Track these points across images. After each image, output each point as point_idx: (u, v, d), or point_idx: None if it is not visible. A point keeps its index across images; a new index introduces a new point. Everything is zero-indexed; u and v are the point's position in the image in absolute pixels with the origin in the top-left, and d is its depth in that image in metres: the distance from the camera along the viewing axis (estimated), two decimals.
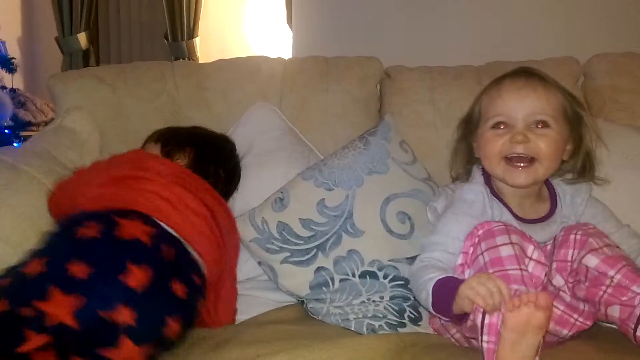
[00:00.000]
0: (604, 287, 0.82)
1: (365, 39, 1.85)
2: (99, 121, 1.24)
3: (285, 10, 2.19)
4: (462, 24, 1.91)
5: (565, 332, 0.86)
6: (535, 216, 0.95)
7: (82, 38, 3.43)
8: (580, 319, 0.85)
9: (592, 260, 0.83)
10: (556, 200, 0.98)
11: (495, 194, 0.96)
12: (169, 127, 1.20)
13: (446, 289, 0.80)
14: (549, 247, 0.91)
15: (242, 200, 1.17)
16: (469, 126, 1.02)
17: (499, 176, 0.94)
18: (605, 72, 1.32)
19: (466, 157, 1.04)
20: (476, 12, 1.91)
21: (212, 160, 1.15)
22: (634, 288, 0.80)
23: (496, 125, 0.93)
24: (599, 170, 1.01)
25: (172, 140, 1.15)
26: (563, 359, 0.80)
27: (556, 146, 0.91)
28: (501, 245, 0.80)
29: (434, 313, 0.84)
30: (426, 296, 0.83)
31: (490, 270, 0.78)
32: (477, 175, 0.99)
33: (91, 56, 3.56)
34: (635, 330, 0.80)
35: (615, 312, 0.82)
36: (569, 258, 0.86)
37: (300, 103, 1.33)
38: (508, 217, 0.93)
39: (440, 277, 0.82)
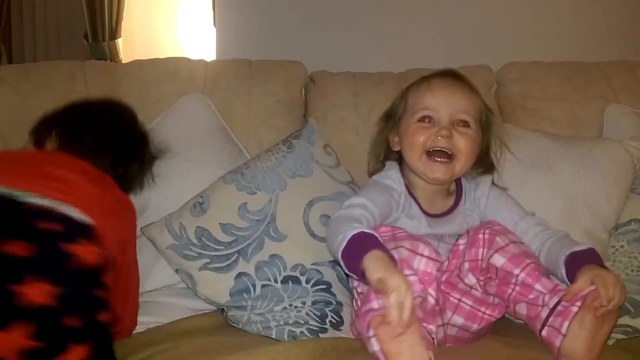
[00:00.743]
0: (512, 286, 0.86)
1: (290, 43, 1.84)
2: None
3: (211, 11, 2.15)
4: (383, 31, 1.96)
5: (475, 326, 0.88)
6: (441, 210, 0.99)
7: None
8: (488, 312, 0.88)
9: (499, 260, 0.87)
10: (461, 194, 1.02)
11: (407, 188, 0.99)
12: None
13: (362, 244, 0.78)
14: (461, 247, 0.94)
15: (165, 198, 1.10)
16: (390, 120, 1.05)
17: (418, 169, 0.96)
18: (516, 80, 1.40)
19: (384, 152, 1.06)
20: (396, 21, 1.96)
21: (84, 133, 1.01)
22: (537, 287, 0.84)
23: (422, 119, 0.96)
24: (506, 169, 1.08)
25: (40, 125, 1.03)
26: (473, 355, 0.82)
27: (474, 146, 0.96)
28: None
29: (339, 261, 0.82)
30: (340, 240, 0.80)
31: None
32: (394, 167, 1.01)
33: (2, 56, 3.33)
34: (541, 330, 0.83)
35: (522, 309, 0.86)
36: (480, 257, 0.90)
37: (223, 105, 1.30)
38: (417, 211, 0.96)
39: (365, 230, 0.79)
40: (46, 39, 3.35)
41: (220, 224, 1.01)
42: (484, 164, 1.02)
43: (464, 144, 0.94)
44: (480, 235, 0.90)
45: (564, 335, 0.80)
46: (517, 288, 0.86)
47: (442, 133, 0.93)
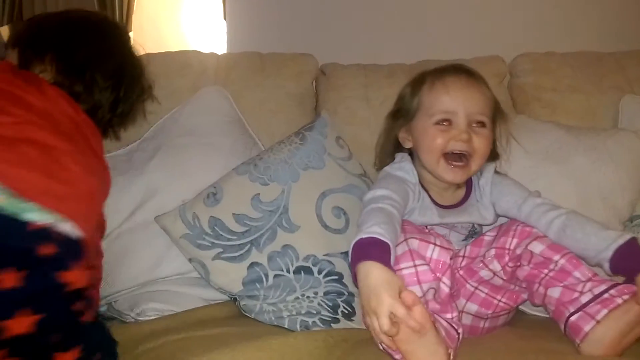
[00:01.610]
0: (546, 271, 0.86)
1: (300, 35, 1.84)
2: None
3: (222, 5, 2.15)
4: (394, 22, 1.95)
5: (489, 312, 0.89)
6: (452, 202, 0.99)
7: (4, 31, 3.22)
8: (504, 299, 0.89)
9: (537, 247, 0.87)
10: (471, 186, 1.02)
11: (420, 182, 0.99)
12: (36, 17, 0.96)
13: (366, 251, 0.77)
14: (487, 238, 0.95)
15: (177, 184, 1.10)
16: (401, 118, 1.04)
17: (435, 171, 0.96)
18: (529, 70, 1.38)
19: (393, 147, 1.06)
20: (407, 12, 1.95)
21: (84, 69, 0.92)
22: (576, 274, 0.84)
23: (440, 122, 0.95)
24: (519, 161, 1.08)
25: (32, 42, 0.91)
26: (487, 346, 0.82)
27: (488, 144, 0.97)
28: (398, 243, 0.81)
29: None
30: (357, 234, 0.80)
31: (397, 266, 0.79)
32: (406, 159, 1.01)
33: None
34: (570, 315, 0.82)
35: (555, 293, 0.85)
36: (507, 246, 0.90)
37: (235, 98, 1.30)
38: (428, 203, 0.97)
39: (378, 237, 0.77)
40: None
41: (233, 214, 1.02)
42: (491, 155, 1.02)
43: (480, 145, 0.94)
44: (514, 227, 0.91)
45: (598, 322, 0.79)
46: (552, 273, 0.85)
47: (462, 137, 0.93)
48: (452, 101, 0.95)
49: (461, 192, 1.01)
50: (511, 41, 1.60)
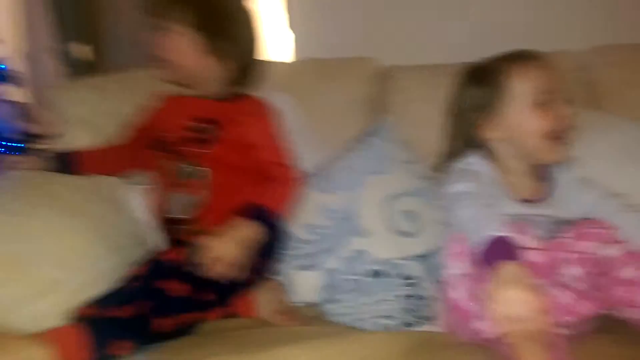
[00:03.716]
0: (622, 287, 0.82)
1: (364, 39, 1.85)
2: (102, 130, 1.24)
3: (286, 14, 2.20)
4: (459, 21, 1.91)
5: (572, 319, 0.86)
6: (535, 197, 0.97)
7: (84, 49, 3.45)
8: (587, 306, 0.86)
9: (615, 251, 0.84)
10: (553, 179, 1.00)
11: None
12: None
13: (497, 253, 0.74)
14: (566, 240, 0.91)
15: None
16: (479, 112, 1.00)
17: (536, 153, 0.96)
18: (605, 64, 1.33)
19: (465, 146, 1.03)
20: (474, 8, 1.91)
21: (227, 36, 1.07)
22: None
23: (538, 104, 0.95)
24: (596, 159, 1.05)
25: (214, 25, 1.06)
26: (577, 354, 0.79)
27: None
28: None
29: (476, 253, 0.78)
30: (480, 235, 0.77)
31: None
32: (476, 153, 0.99)
33: (94, 66, 3.58)
34: None
35: (636, 314, 0.82)
36: (589, 250, 0.87)
37: (301, 105, 1.33)
38: (508, 199, 0.95)
39: (500, 235, 0.76)
40: (131, 47, 3.57)
41: (303, 224, 1.05)
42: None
43: (571, 119, 0.95)
44: (591, 230, 0.88)
45: None
46: (627, 288, 0.82)
47: (565, 113, 0.93)
48: (546, 81, 0.95)
49: (543, 186, 0.99)
50: (584, 33, 1.53)
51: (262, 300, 0.99)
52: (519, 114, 0.96)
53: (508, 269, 0.71)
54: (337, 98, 1.36)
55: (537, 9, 1.87)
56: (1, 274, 0.84)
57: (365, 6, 1.94)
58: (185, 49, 1.06)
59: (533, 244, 0.82)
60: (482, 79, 1.01)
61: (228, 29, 1.07)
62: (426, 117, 1.29)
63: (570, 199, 0.98)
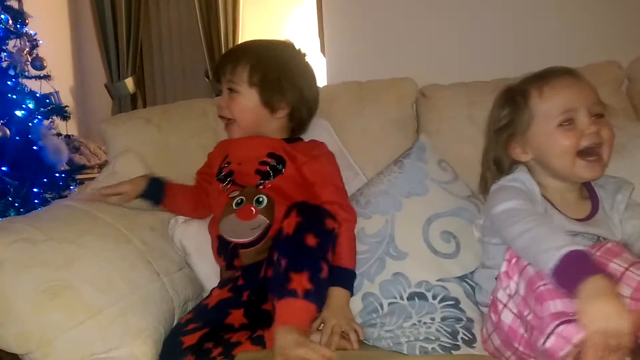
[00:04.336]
0: None
1: (397, 60, 1.86)
2: (147, 160, 1.28)
3: (318, 40, 2.24)
4: (493, 37, 1.90)
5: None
6: (582, 215, 0.95)
7: (129, 83, 3.61)
8: None
9: (625, 291, 0.75)
10: (596, 198, 0.97)
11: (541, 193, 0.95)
12: (253, 46, 1.23)
13: (576, 270, 0.72)
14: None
15: None
16: (512, 132, 1.00)
17: (570, 172, 0.94)
18: None
19: (501, 165, 1.02)
20: (506, 24, 1.89)
21: (307, 104, 1.21)
22: None
23: (564, 122, 0.93)
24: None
25: (275, 90, 1.15)
26: None
27: (614, 134, 0.94)
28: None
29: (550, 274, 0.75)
30: (551, 255, 0.75)
31: (540, 283, 0.75)
32: (522, 170, 0.98)
33: (138, 99, 3.74)
34: None
35: None
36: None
37: (338, 128, 1.35)
38: (555, 214, 0.93)
39: (572, 249, 0.73)
40: (173, 80, 3.72)
41: None
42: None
43: (607, 134, 0.93)
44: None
45: None
46: None
47: (591, 130, 0.92)
48: (569, 99, 0.94)
49: (587, 205, 0.97)
50: (626, 46, 1.49)
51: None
52: (545, 134, 0.95)
53: (596, 283, 0.69)
54: (373, 120, 1.36)
55: (572, 21, 1.84)
56: (47, 301, 0.87)
57: (396, 29, 1.96)
58: (247, 106, 1.17)
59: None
60: (510, 100, 1.01)
61: (284, 84, 1.16)
62: (462, 135, 1.28)
63: (618, 220, 0.95)
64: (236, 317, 0.96)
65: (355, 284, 1.01)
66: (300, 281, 0.87)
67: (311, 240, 0.91)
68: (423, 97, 1.41)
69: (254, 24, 3.11)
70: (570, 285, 0.71)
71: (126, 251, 1.01)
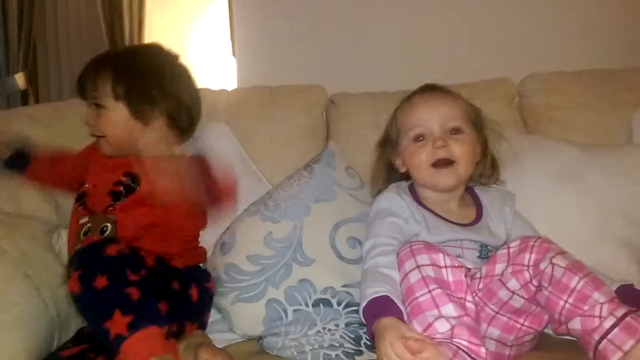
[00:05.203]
0: (565, 297, 0.81)
1: (308, 67, 1.86)
2: None
3: (230, 42, 2.19)
4: (401, 49, 1.97)
5: (511, 337, 0.86)
6: (465, 221, 1.00)
7: (19, 78, 3.31)
8: (527, 323, 0.86)
9: (562, 261, 0.82)
10: (481, 207, 1.03)
11: (422, 204, 1.01)
12: (113, 55, 1.13)
13: (375, 311, 0.80)
14: (498, 254, 0.89)
15: None
16: (388, 145, 1.08)
17: (428, 182, 1.00)
18: (539, 90, 1.39)
19: (387, 175, 1.09)
20: (414, 37, 1.98)
21: (188, 113, 1.12)
22: (596, 295, 0.79)
23: (417, 138, 1.00)
24: (534, 181, 1.09)
25: (142, 98, 1.06)
26: None
27: (471, 149, 1.00)
28: (409, 272, 0.82)
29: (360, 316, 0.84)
30: (363, 300, 0.83)
31: (407, 303, 0.81)
32: (391, 187, 1.04)
33: (30, 96, 3.45)
34: (598, 343, 0.78)
35: (576, 324, 0.81)
36: (526, 262, 0.85)
37: (246, 133, 1.32)
38: (435, 221, 0.97)
39: (381, 295, 0.81)
40: (71, 77, 3.47)
41: (246, 256, 1.02)
42: (487, 162, 1.05)
43: (460, 150, 0.98)
44: (531, 243, 0.86)
45: (625, 353, 0.75)
46: (572, 299, 0.80)
47: (437, 144, 0.97)
48: (419, 116, 1.01)
49: (471, 212, 1.02)
50: (519, 62, 1.61)
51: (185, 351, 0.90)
52: (405, 149, 1.03)
53: (384, 323, 0.77)
54: (283, 126, 1.35)
55: (473, 38, 1.96)
56: None
57: (309, 35, 1.97)
58: (116, 121, 1.08)
59: (449, 266, 0.83)
60: (393, 114, 1.09)
61: (154, 92, 1.08)
62: (369, 143, 1.30)
63: (503, 229, 1.01)
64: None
65: (259, 290, 0.99)
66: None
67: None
68: (332, 104, 1.42)
69: (161, 23, 2.98)
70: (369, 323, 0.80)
71: (2, 265, 0.90)
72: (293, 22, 1.97)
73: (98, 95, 1.06)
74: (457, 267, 0.82)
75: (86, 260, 0.83)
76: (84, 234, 1.01)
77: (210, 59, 2.73)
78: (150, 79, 1.08)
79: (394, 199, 1.00)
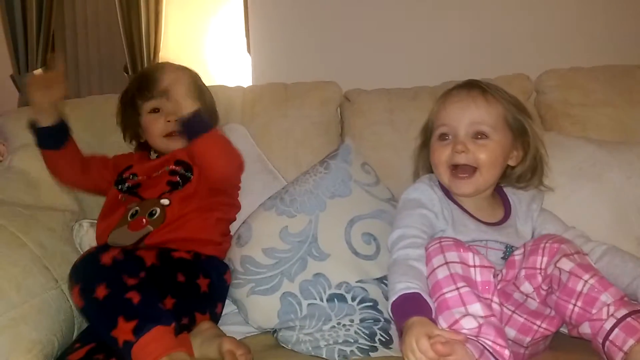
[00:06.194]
0: (573, 301, 0.81)
1: (323, 64, 1.87)
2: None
3: (245, 39, 2.20)
4: (416, 46, 1.96)
5: (528, 339, 0.86)
6: (493, 220, 0.98)
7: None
8: (544, 325, 0.85)
9: (567, 264, 0.82)
10: (510, 206, 1.01)
11: (452, 199, 0.99)
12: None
13: (405, 309, 0.79)
14: (517, 257, 0.91)
15: None
16: (426, 135, 1.05)
17: (445, 184, 0.98)
18: (556, 86, 1.37)
19: (428, 164, 1.05)
20: (430, 34, 1.96)
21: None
22: (603, 297, 0.79)
23: (442, 136, 0.98)
24: (552, 179, 1.05)
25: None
26: None
27: (496, 155, 0.95)
28: (437, 267, 0.81)
29: (389, 312, 0.82)
30: (392, 293, 0.81)
31: (433, 298, 0.80)
32: (424, 178, 1.02)
33: None
34: (603, 345, 0.78)
35: (586, 329, 0.81)
36: (538, 265, 0.86)
37: (261, 130, 1.33)
38: (463, 218, 0.96)
39: (413, 291, 0.79)
40: (88, 74, 3.51)
41: (262, 249, 1.03)
42: (526, 168, 1.01)
43: (483, 156, 0.94)
44: (542, 245, 0.86)
45: (625, 353, 0.75)
46: (580, 302, 0.80)
47: (457, 149, 0.94)
48: (448, 115, 0.97)
49: (499, 212, 1.00)
50: (536, 58, 1.59)
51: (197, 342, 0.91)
52: (432, 143, 1.00)
53: (412, 321, 0.75)
54: (297, 122, 1.35)
55: (491, 33, 1.94)
56: None
57: (324, 32, 1.97)
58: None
59: (479, 265, 0.82)
60: (434, 105, 1.05)
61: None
62: (383, 140, 1.31)
63: (527, 226, 1.00)
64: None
65: (274, 283, 1.00)
66: None
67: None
68: (347, 101, 1.42)
69: (177, 21, 3.01)
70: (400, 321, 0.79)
71: (18, 256, 0.92)
72: (308, 19, 1.97)
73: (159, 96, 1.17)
74: (487, 267, 0.81)
75: (83, 273, 0.86)
76: (131, 216, 1.07)
77: (225, 56, 2.74)
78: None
79: (426, 191, 0.97)
